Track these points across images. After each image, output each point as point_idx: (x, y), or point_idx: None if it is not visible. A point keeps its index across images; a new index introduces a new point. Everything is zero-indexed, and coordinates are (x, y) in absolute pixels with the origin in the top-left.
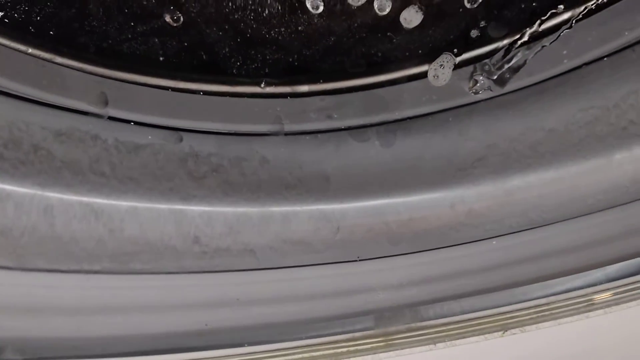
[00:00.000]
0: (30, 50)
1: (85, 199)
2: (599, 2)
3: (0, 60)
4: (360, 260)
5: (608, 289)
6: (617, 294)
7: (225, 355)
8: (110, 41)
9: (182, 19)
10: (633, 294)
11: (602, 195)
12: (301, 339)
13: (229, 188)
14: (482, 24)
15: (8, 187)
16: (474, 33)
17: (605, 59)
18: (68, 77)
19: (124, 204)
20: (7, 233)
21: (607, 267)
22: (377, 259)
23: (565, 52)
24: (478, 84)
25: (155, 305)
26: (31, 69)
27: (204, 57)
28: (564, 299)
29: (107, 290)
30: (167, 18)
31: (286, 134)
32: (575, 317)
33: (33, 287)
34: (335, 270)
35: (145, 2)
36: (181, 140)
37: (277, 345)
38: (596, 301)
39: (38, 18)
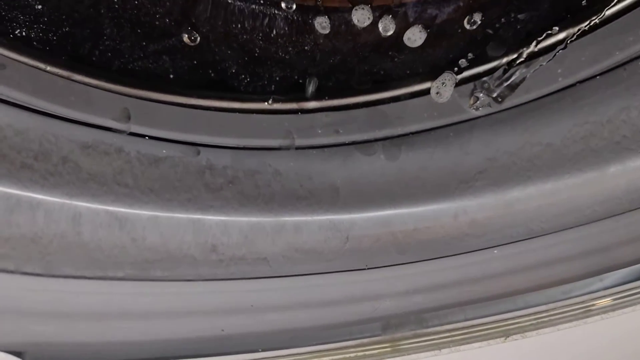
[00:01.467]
0: (56, 70)
1: (110, 208)
2: (592, 24)
3: (31, 80)
4: (368, 268)
5: (605, 296)
6: (614, 301)
7: None
8: (131, 61)
9: (198, 39)
10: (629, 300)
11: (597, 206)
12: (312, 344)
13: (243, 199)
14: (482, 43)
15: (38, 196)
16: (474, 52)
17: (598, 77)
18: (93, 94)
19: (145, 213)
20: (37, 240)
21: (604, 274)
22: (384, 268)
23: (560, 70)
24: (478, 101)
25: (174, 311)
26: (58, 88)
27: (216, 75)
28: (563, 306)
29: (129, 297)
30: (185, 38)
31: (297, 148)
32: (574, 322)
33: (60, 292)
34: (345, 278)
35: (161, 24)
36: (198, 153)
37: (290, 351)
38: (594, 307)
39: (65, 39)
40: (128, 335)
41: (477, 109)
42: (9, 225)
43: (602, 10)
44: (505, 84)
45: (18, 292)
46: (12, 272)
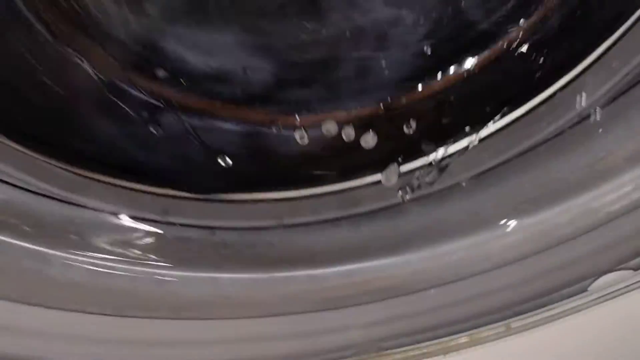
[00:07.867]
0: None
1: None
2: (495, 121)
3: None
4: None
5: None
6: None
7: None
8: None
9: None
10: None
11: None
12: None
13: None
14: (417, 141)
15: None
16: (413, 148)
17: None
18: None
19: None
20: None
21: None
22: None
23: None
24: (413, 185)
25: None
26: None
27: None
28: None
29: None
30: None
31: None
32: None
33: None
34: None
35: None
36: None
37: None
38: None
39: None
40: None
41: (407, 192)
42: None
43: (500, 110)
44: (434, 172)
45: None
46: None
